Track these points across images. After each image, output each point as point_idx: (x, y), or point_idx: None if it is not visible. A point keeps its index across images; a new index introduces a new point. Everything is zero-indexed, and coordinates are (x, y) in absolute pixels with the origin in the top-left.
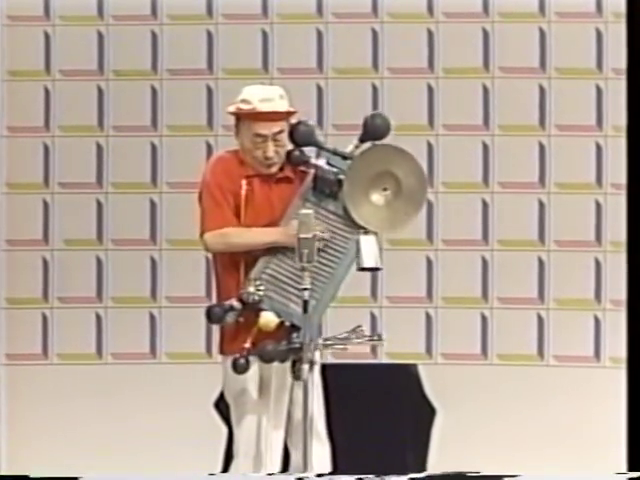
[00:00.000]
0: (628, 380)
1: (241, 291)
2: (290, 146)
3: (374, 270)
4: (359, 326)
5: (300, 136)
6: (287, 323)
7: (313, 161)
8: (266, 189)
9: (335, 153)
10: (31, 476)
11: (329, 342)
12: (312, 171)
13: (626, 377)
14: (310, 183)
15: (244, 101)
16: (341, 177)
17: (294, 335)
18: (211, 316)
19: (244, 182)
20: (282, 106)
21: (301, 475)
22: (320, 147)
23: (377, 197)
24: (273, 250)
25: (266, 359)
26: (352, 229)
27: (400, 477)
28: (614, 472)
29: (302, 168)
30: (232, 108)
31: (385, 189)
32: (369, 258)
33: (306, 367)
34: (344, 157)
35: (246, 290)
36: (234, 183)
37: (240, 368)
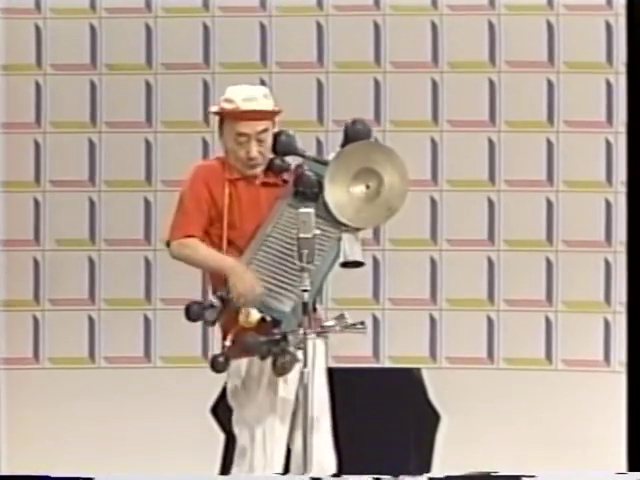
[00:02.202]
0: (628, 380)
1: (219, 291)
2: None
3: (358, 265)
4: (342, 314)
5: (281, 146)
6: (268, 318)
7: (295, 164)
8: (253, 192)
9: (316, 161)
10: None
11: (310, 331)
12: (294, 174)
13: (626, 377)
14: (291, 187)
15: (227, 100)
16: (322, 180)
17: (275, 331)
18: (189, 313)
19: (227, 185)
20: (266, 105)
21: (301, 476)
22: (301, 155)
23: (359, 193)
24: (255, 247)
25: (248, 349)
26: (334, 229)
27: (417, 477)
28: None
29: (284, 176)
30: (215, 108)
31: (367, 186)
32: (352, 253)
33: (288, 360)
34: (326, 164)
35: (225, 287)
36: (215, 189)
37: (219, 366)
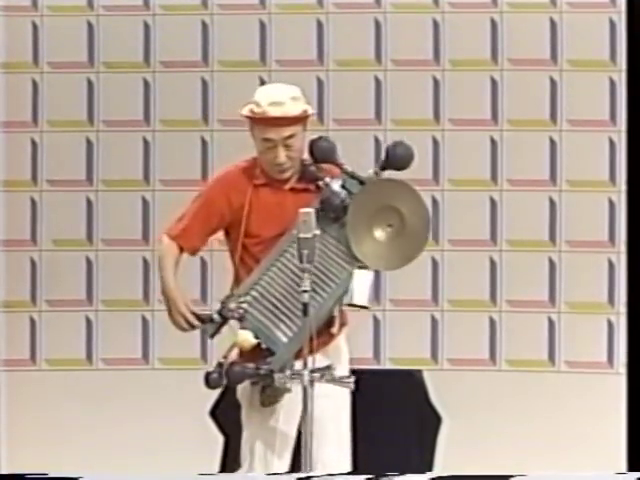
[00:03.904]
0: (628, 380)
1: (222, 304)
2: (302, 153)
3: (362, 308)
4: (329, 366)
5: (320, 152)
6: (263, 346)
7: (327, 180)
8: (280, 197)
9: (353, 176)
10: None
11: (295, 375)
12: (326, 192)
13: (626, 377)
14: (317, 203)
15: (256, 103)
16: (347, 204)
17: (267, 360)
18: (208, 382)
19: (250, 191)
20: (294, 109)
21: (301, 475)
22: (339, 166)
23: (380, 233)
24: (264, 268)
25: (232, 381)
26: (350, 259)
27: (420, 476)
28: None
29: (317, 183)
30: (245, 110)
31: (390, 225)
32: (360, 295)
33: (276, 392)
34: (361, 182)
35: (227, 306)
36: (235, 196)
37: (212, 383)
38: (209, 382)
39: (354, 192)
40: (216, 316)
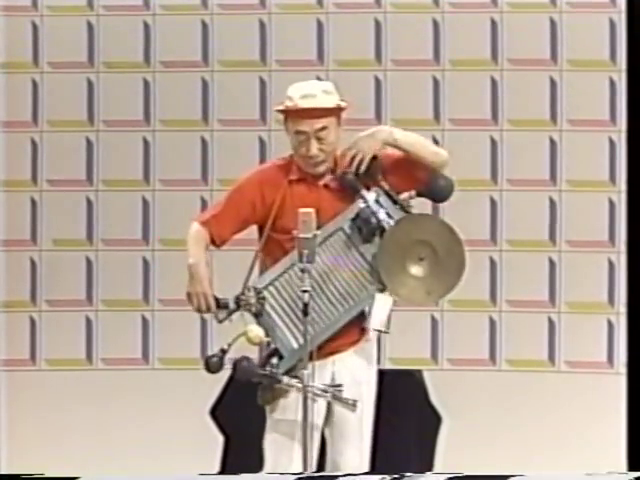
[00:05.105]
0: (628, 380)
1: (242, 296)
2: (339, 146)
3: (379, 332)
4: (340, 384)
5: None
6: (272, 345)
7: (363, 193)
8: (314, 193)
9: (387, 194)
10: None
11: (299, 384)
12: (360, 203)
13: (626, 377)
14: (351, 214)
15: (288, 98)
16: (384, 224)
17: (273, 361)
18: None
19: (284, 187)
20: (326, 102)
21: (302, 475)
22: (377, 183)
23: (410, 265)
24: (285, 266)
25: (239, 375)
26: (372, 279)
27: (421, 475)
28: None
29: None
30: (281, 106)
31: (421, 259)
32: (376, 321)
33: (276, 391)
34: (394, 201)
35: (247, 299)
36: (268, 192)
37: (213, 367)
38: (209, 365)
39: (385, 207)
40: (232, 304)
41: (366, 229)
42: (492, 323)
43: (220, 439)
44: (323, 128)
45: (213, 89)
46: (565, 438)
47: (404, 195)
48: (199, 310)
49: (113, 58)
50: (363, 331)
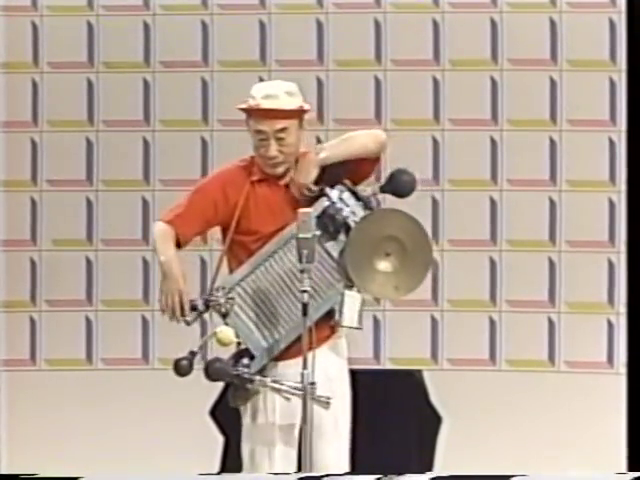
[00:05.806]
0: (628, 380)
1: (211, 297)
2: (297, 149)
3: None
4: (313, 382)
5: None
6: (242, 346)
7: (327, 191)
8: (276, 193)
9: (351, 190)
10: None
11: (273, 383)
12: (324, 201)
13: (626, 377)
14: (316, 212)
15: (251, 97)
16: (349, 221)
17: (244, 361)
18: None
19: (247, 187)
20: (288, 103)
21: (302, 475)
22: (342, 184)
23: (381, 263)
24: (252, 265)
25: (210, 376)
26: (339, 277)
27: (420, 476)
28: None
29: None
30: (243, 104)
31: (388, 254)
32: (349, 317)
33: (246, 392)
34: (357, 197)
35: (216, 300)
36: (232, 192)
37: (182, 370)
38: (178, 369)
39: (348, 204)
40: (202, 306)
41: (332, 226)
42: (492, 323)
43: (220, 439)
44: (283, 129)
45: (213, 89)
46: (565, 438)
47: (367, 191)
48: (172, 311)
49: (113, 58)
50: (333, 328)
